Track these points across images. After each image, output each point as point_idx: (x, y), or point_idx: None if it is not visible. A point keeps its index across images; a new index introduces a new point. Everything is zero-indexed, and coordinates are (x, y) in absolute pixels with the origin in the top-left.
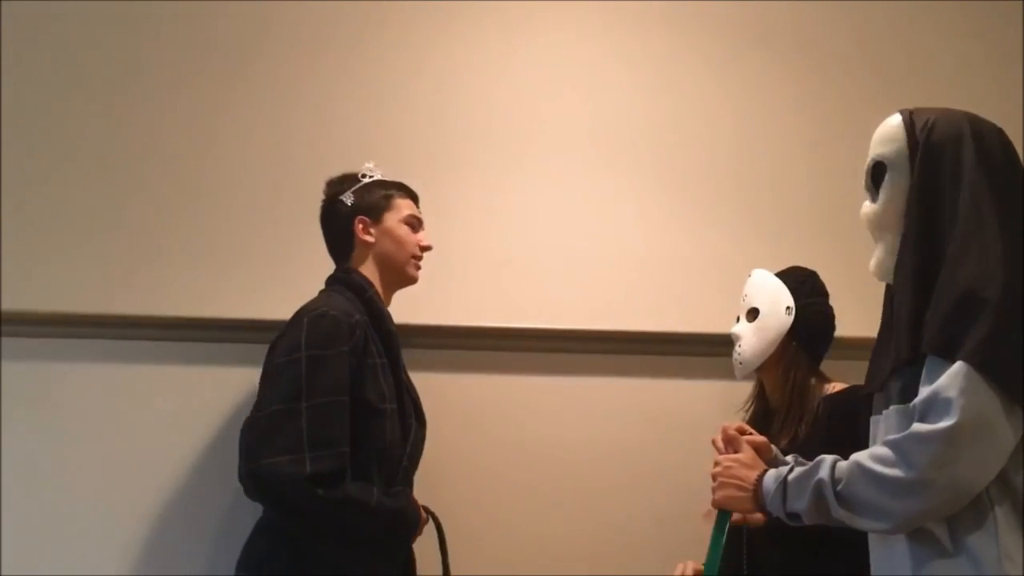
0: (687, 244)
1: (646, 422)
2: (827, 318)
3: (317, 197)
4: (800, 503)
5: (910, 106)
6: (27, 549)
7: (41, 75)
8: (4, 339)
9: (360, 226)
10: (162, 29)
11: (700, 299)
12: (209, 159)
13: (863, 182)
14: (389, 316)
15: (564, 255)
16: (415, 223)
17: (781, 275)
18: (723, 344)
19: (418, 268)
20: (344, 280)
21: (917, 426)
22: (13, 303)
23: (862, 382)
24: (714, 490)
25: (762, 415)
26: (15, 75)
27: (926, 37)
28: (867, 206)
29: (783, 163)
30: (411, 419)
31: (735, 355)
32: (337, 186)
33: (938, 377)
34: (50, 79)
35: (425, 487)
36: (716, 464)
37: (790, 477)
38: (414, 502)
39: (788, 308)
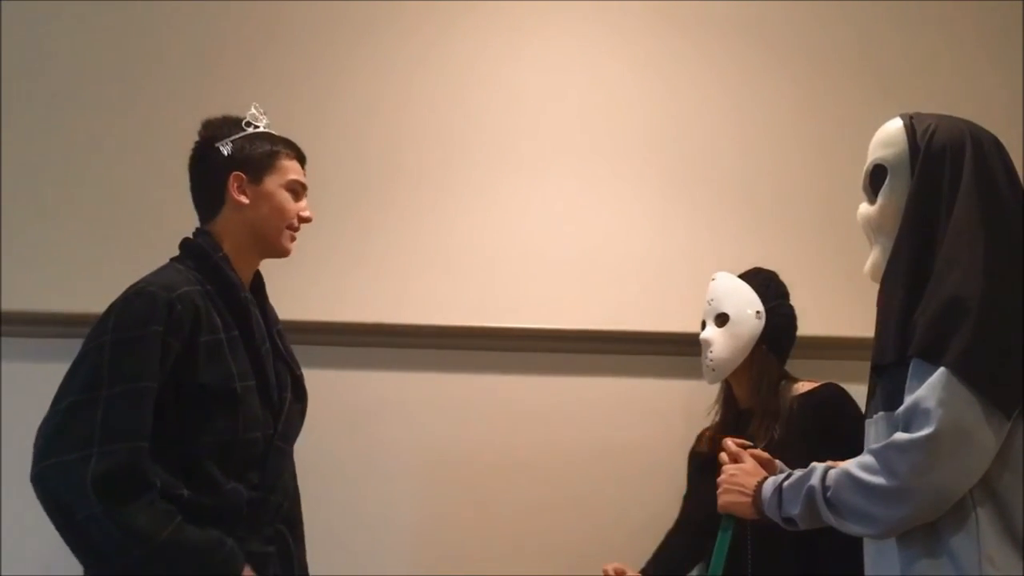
0: (687, 244)
1: (648, 422)
2: (792, 320)
3: (319, 197)
4: (794, 508)
5: (910, 106)
6: (27, 549)
7: (41, 75)
8: (4, 339)
9: (235, 183)
10: (162, 29)
11: (700, 299)
12: None
13: (862, 183)
14: (241, 284)
15: (564, 255)
16: (298, 189)
17: (744, 277)
18: None
19: (293, 240)
20: (190, 246)
21: (898, 435)
22: (13, 303)
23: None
24: (719, 495)
25: (733, 419)
26: (16, 75)
27: (926, 37)
28: (864, 208)
29: (784, 164)
30: (285, 392)
31: (706, 361)
32: (215, 130)
33: (922, 382)
34: (50, 79)
35: (423, 486)
36: (722, 472)
37: (785, 484)
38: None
39: (758, 312)
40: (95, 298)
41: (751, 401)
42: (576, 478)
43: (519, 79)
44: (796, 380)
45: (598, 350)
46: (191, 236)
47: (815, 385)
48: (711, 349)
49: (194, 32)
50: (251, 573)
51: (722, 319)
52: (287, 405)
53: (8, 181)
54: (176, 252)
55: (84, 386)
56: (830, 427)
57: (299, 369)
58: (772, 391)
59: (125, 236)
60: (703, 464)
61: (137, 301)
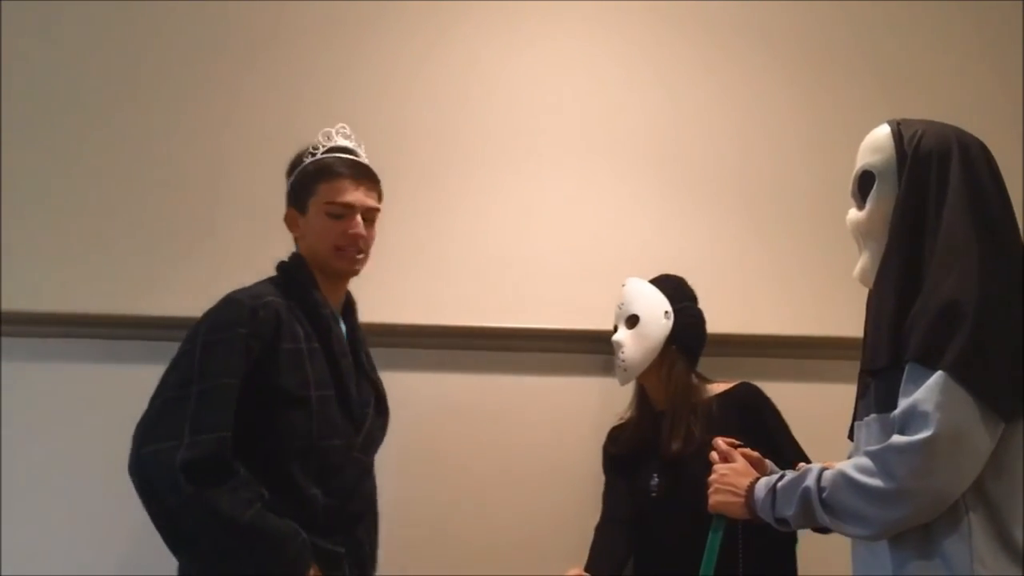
0: (686, 245)
1: None
2: (701, 320)
3: None
4: (788, 509)
5: (910, 106)
6: (27, 549)
7: (42, 75)
8: (4, 339)
9: (288, 219)
10: (163, 30)
11: (701, 300)
12: (211, 159)
13: (851, 189)
14: (324, 302)
15: (564, 256)
16: (339, 211)
17: (654, 282)
18: (725, 344)
19: (345, 259)
20: (282, 267)
21: (896, 438)
22: (13, 303)
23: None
24: (710, 495)
25: (649, 419)
26: (16, 75)
27: (926, 37)
28: (853, 213)
29: (783, 163)
30: (366, 408)
31: (618, 362)
32: (289, 168)
33: (918, 385)
34: (51, 79)
35: (419, 485)
36: (713, 472)
37: (779, 485)
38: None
39: (666, 313)
40: (95, 298)
41: (664, 402)
42: (579, 477)
43: (518, 80)
44: (709, 380)
45: (599, 350)
46: (286, 259)
47: (730, 385)
48: (622, 350)
49: (195, 33)
50: (319, 573)
51: (632, 320)
52: (368, 420)
53: (8, 181)
54: (174, 251)
55: (177, 383)
56: (753, 425)
57: (383, 387)
58: (683, 390)
59: (125, 236)
60: (615, 462)
61: (226, 307)
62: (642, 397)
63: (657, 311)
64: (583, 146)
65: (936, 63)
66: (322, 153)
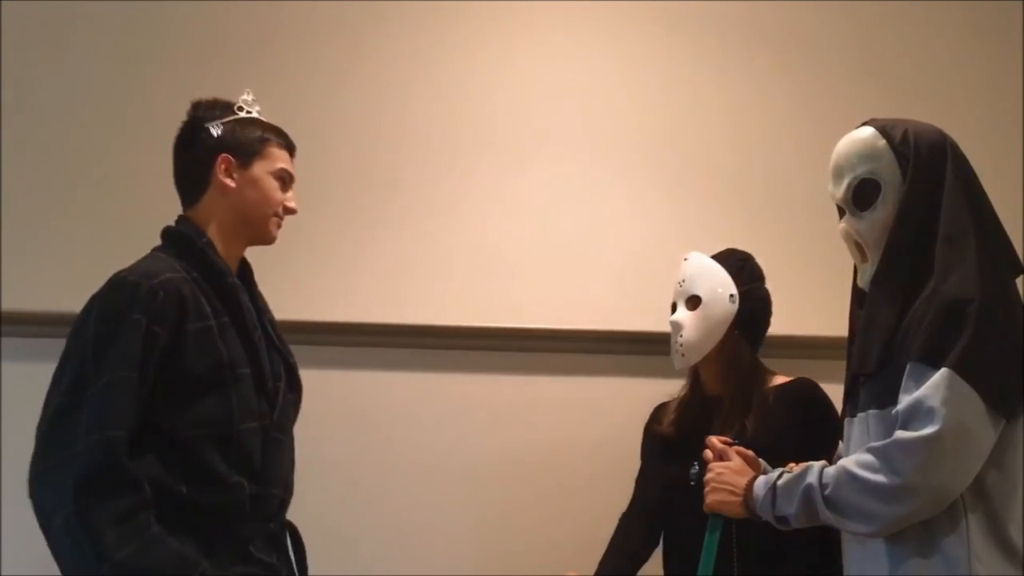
0: (686, 245)
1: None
2: (767, 304)
3: (320, 197)
4: (789, 507)
5: (909, 105)
6: (27, 549)
7: (42, 75)
8: (4, 339)
9: (223, 165)
10: (163, 31)
11: None
12: None
13: (842, 197)
14: (228, 270)
15: (564, 256)
16: (286, 179)
17: (718, 259)
18: None
19: (278, 227)
20: (172, 234)
21: (900, 434)
22: (13, 303)
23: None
24: (706, 494)
25: (699, 405)
26: (15, 75)
27: (926, 37)
28: (852, 222)
29: (780, 162)
30: (279, 381)
31: (676, 344)
32: (206, 111)
33: (921, 383)
34: (51, 79)
35: (422, 485)
36: (709, 470)
37: (779, 483)
38: None
39: (732, 296)
40: None
41: (720, 388)
42: (579, 477)
43: (519, 80)
44: (769, 371)
45: (599, 350)
46: (173, 224)
47: (789, 379)
48: (681, 332)
49: (194, 32)
50: None
51: (694, 301)
52: (281, 395)
53: (8, 181)
54: None
55: (71, 386)
56: (809, 421)
57: (292, 357)
58: (743, 379)
59: (125, 236)
60: (656, 443)
61: (118, 292)
62: (695, 379)
63: (722, 293)
64: (583, 145)
65: (936, 63)
66: (256, 114)
